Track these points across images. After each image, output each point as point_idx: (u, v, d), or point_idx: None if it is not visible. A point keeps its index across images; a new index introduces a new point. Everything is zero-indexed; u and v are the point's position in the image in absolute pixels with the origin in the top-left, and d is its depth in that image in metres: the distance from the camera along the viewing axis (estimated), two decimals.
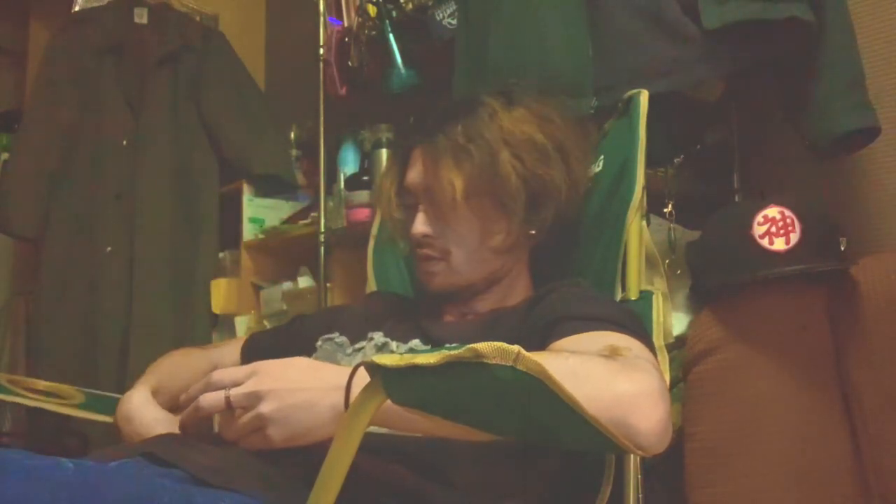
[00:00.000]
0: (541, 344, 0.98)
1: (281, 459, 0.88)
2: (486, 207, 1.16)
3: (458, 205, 1.14)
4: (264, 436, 0.84)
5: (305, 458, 0.86)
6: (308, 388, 0.84)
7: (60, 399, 1.19)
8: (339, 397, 0.82)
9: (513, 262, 1.22)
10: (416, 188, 1.19)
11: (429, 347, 1.11)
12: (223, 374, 0.88)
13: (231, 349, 1.37)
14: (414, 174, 1.20)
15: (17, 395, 1.12)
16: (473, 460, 0.95)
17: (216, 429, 1.32)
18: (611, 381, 0.83)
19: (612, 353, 0.88)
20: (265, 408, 0.83)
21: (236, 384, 0.86)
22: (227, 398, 0.85)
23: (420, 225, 1.17)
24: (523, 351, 0.65)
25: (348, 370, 0.82)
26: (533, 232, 1.20)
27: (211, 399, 0.87)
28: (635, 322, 1.04)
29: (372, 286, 1.50)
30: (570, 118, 1.25)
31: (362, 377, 0.73)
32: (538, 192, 1.17)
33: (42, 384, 1.17)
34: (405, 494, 0.89)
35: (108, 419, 1.18)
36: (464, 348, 0.64)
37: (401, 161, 1.24)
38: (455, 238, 1.17)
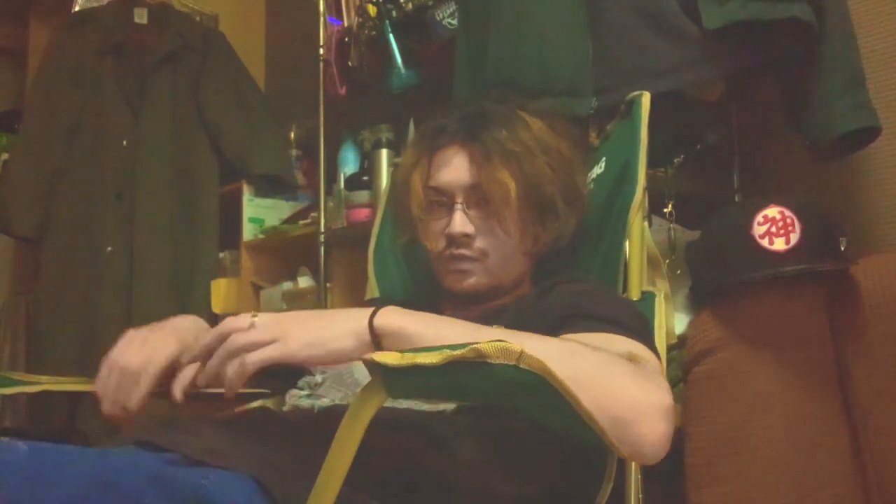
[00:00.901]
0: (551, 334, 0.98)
1: (277, 439, 0.88)
2: (526, 212, 1.18)
3: (511, 206, 1.16)
4: (283, 341, 0.84)
5: (301, 437, 0.86)
6: (330, 317, 0.88)
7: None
8: (361, 325, 0.84)
9: (530, 265, 1.24)
10: (453, 187, 1.19)
11: None
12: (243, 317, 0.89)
13: None
14: (451, 173, 1.19)
15: (25, 383, 1.11)
16: (477, 438, 0.95)
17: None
18: (631, 384, 0.83)
19: (632, 360, 0.89)
20: (286, 323, 0.85)
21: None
22: (252, 321, 0.86)
23: (461, 224, 1.17)
24: (526, 350, 0.64)
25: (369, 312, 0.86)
26: (557, 238, 1.22)
27: (236, 320, 0.87)
28: (646, 328, 1.05)
29: (373, 287, 1.50)
30: (572, 130, 1.28)
31: (386, 312, 0.80)
32: (568, 198, 1.20)
33: (44, 378, 1.16)
34: (410, 467, 0.89)
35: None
36: (466, 348, 0.63)
37: (428, 160, 1.23)
38: (495, 238, 1.18)
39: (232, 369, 0.85)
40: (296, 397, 1.11)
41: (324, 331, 0.85)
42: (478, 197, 1.18)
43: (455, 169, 1.19)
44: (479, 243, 1.17)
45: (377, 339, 0.84)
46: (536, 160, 1.17)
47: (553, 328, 0.99)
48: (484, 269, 1.18)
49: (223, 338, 0.87)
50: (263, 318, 0.86)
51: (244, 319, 0.86)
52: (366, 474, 0.76)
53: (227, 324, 0.88)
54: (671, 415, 0.83)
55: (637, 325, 1.02)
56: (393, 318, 0.86)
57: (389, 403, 1.00)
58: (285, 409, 1.12)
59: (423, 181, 1.22)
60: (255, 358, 0.84)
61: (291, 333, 0.85)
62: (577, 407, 0.68)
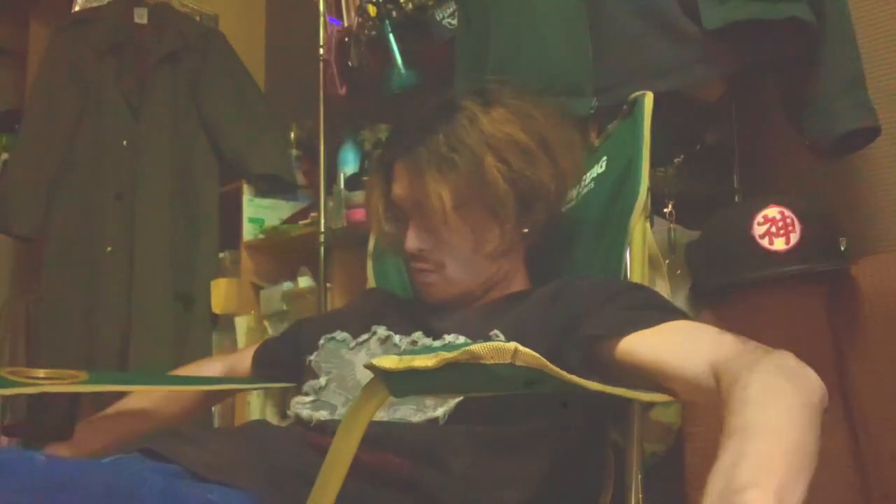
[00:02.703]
0: (587, 332, 0.98)
1: (279, 455, 0.88)
2: (476, 215, 1.14)
3: (449, 217, 1.12)
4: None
5: (299, 451, 0.86)
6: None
7: (64, 380, 1.16)
8: None
9: (509, 263, 1.21)
10: (404, 202, 1.17)
11: (430, 340, 1.11)
12: None
13: (244, 356, 1.39)
14: (399, 189, 1.17)
15: (21, 384, 1.09)
16: (471, 449, 0.95)
17: (216, 424, 1.30)
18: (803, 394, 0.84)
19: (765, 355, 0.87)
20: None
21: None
22: None
23: (412, 240, 1.16)
24: (520, 347, 0.65)
25: None
26: (526, 232, 1.18)
27: None
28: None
29: (371, 287, 1.50)
30: (551, 110, 1.22)
31: None
32: (527, 192, 1.15)
33: (42, 372, 1.15)
34: (403, 483, 0.90)
35: (117, 388, 1.17)
36: (460, 351, 0.64)
37: (385, 175, 1.21)
38: (448, 250, 1.16)
39: None
40: (300, 404, 1.11)
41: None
42: (422, 210, 1.15)
43: (400, 184, 1.17)
44: (435, 255, 1.16)
45: None
46: (483, 159, 1.11)
47: (596, 325, 0.98)
48: (444, 278, 1.17)
49: None
50: None
51: None
52: (355, 495, 0.77)
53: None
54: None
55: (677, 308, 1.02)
56: None
57: (383, 409, 1.01)
58: (289, 412, 1.12)
59: (381, 195, 1.22)
60: None
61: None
62: (582, 386, 0.69)
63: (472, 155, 1.12)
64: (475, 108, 1.16)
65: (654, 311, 0.99)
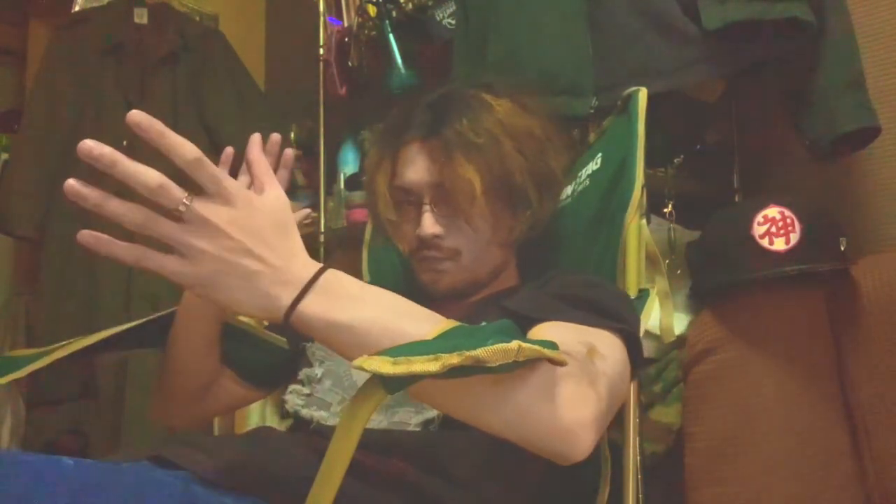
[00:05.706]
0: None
1: (288, 461, 0.88)
2: (496, 202, 1.13)
3: (478, 202, 1.10)
4: (176, 265, 0.75)
5: (310, 460, 0.86)
6: (266, 262, 0.73)
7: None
8: (278, 306, 0.72)
9: (509, 255, 1.21)
10: (419, 187, 1.14)
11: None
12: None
13: None
14: (414, 173, 1.14)
15: (31, 359, 1.07)
16: (472, 455, 0.95)
17: (216, 431, 1.31)
18: (567, 399, 0.77)
19: (590, 353, 0.85)
20: (205, 245, 0.74)
21: (215, 185, 0.77)
22: (183, 206, 0.75)
23: (430, 226, 1.12)
24: (523, 344, 0.65)
25: (317, 267, 0.74)
26: (534, 222, 1.18)
27: (169, 190, 0.75)
28: (632, 317, 1.02)
29: None
30: (547, 108, 1.23)
31: (326, 283, 0.72)
32: (540, 182, 1.15)
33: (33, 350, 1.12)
34: (406, 490, 0.90)
35: (121, 327, 1.15)
36: (464, 356, 0.64)
37: (391, 159, 1.18)
38: (465, 236, 1.14)
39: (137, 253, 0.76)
40: (295, 395, 1.11)
41: (232, 285, 0.72)
42: (444, 195, 1.12)
43: (418, 168, 1.14)
44: (450, 242, 1.13)
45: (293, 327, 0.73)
46: (503, 147, 1.11)
47: (537, 309, 0.97)
48: (458, 267, 1.14)
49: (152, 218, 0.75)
50: (192, 213, 0.75)
51: (174, 195, 0.75)
52: (360, 499, 0.76)
53: (151, 178, 0.76)
54: (596, 425, 0.78)
55: (619, 312, 0.98)
56: (318, 310, 0.72)
57: (381, 413, 1.00)
58: (287, 406, 1.11)
59: (387, 181, 1.17)
60: (155, 265, 0.77)
61: (196, 261, 0.74)
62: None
63: (494, 141, 1.12)
64: (488, 98, 1.16)
65: (572, 307, 0.96)
